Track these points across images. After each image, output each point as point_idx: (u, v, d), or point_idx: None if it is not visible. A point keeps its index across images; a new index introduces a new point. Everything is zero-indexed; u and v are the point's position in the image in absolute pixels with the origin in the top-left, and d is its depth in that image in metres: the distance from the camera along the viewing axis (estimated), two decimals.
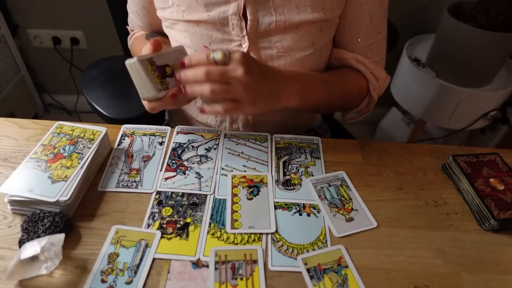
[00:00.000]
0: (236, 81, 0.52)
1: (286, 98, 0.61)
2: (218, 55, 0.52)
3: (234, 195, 0.60)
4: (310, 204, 0.59)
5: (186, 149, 0.67)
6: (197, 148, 0.68)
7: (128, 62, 0.54)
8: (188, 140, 0.69)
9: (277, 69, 0.61)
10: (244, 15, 0.63)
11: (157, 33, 0.79)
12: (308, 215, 0.58)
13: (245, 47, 0.65)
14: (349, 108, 0.77)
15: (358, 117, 0.79)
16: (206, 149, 0.67)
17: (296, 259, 0.52)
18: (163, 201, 0.58)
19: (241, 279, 0.49)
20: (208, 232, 0.54)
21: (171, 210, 0.57)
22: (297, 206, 0.59)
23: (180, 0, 0.64)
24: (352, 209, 0.59)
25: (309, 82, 0.66)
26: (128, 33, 0.88)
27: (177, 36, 0.70)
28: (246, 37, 0.65)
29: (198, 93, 0.54)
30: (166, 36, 0.75)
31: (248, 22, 0.63)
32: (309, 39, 0.66)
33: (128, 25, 0.87)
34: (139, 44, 0.80)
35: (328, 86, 0.69)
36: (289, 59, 0.67)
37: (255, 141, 0.70)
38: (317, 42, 0.67)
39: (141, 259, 0.50)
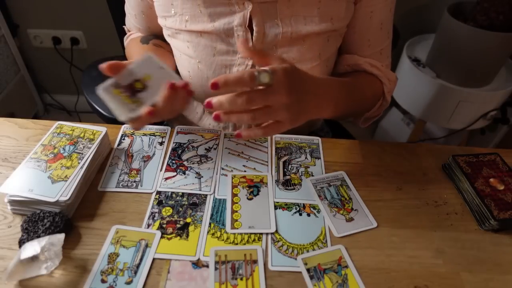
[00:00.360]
0: (278, 103, 0.48)
1: (325, 110, 0.58)
2: (265, 78, 0.46)
3: (234, 195, 0.60)
4: (310, 204, 0.59)
5: (186, 149, 0.67)
6: (197, 148, 0.68)
7: (97, 91, 0.52)
8: (188, 140, 0.69)
9: (315, 78, 0.56)
10: (250, 26, 0.62)
11: (154, 36, 0.77)
12: (308, 215, 0.58)
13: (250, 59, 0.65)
14: (363, 113, 0.75)
15: (371, 121, 0.78)
16: (206, 149, 0.67)
17: (296, 259, 0.52)
18: (163, 201, 0.58)
19: (241, 279, 0.49)
20: (208, 232, 0.54)
21: (171, 210, 0.57)
22: (297, 206, 0.59)
23: (183, 10, 0.63)
24: (352, 209, 0.59)
25: (343, 89, 0.62)
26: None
27: (179, 46, 0.69)
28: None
29: (235, 121, 0.49)
30: (164, 40, 0.74)
31: (254, 34, 0.62)
32: (316, 50, 0.65)
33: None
34: (133, 46, 0.78)
35: (354, 92, 0.66)
36: None
37: (255, 141, 0.70)
38: (323, 53, 0.67)
39: (141, 259, 0.50)
